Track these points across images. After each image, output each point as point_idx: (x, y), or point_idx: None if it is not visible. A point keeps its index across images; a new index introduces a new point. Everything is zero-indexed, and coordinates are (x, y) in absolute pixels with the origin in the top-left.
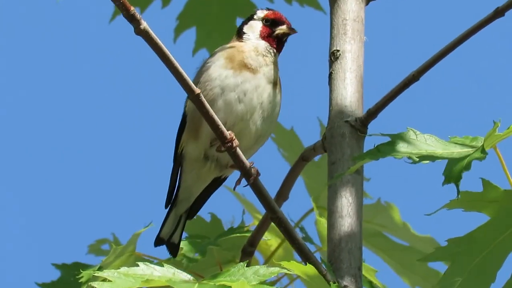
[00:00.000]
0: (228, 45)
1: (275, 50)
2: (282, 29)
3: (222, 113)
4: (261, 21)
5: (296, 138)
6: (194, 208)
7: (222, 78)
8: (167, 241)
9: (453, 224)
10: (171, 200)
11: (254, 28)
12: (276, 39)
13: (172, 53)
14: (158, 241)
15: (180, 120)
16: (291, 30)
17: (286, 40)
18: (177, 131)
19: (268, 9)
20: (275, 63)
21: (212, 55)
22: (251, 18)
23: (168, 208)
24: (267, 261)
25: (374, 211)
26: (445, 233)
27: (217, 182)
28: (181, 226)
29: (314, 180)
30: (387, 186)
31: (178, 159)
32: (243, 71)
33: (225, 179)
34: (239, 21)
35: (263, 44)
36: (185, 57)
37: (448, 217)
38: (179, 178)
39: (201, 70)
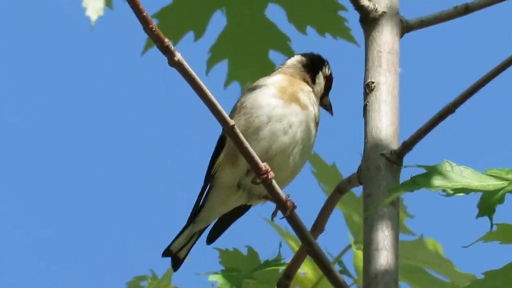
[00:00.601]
0: (279, 75)
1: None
2: (326, 102)
3: (265, 142)
4: (324, 80)
5: (337, 173)
6: (216, 232)
7: (270, 108)
8: (174, 255)
9: (496, 257)
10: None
11: (320, 82)
12: (326, 89)
13: (205, 84)
14: (166, 253)
15: (217, 141)
16: (330, 110)
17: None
18: (213, 152)
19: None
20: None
21: (261, 80)
22: (321, 65)
23: (185, 224)
24: None
25: (416, 247)
26: (486, 266)
27: (240, 210)
28: (191, 243)
29: (353, 213)
30: (430, 221)
31: (209, 179)
32: (292, 104)
33: (248, 208)
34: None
35: (311, 87)
36: (217, 89)
37: (489, 250)
38: (205, 198)
39: (247, 96)
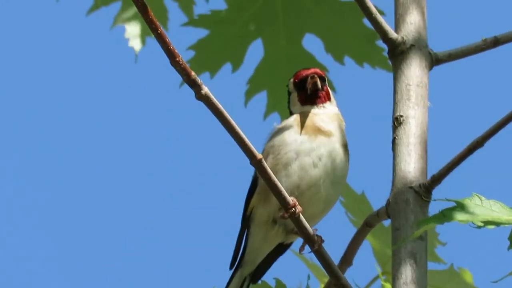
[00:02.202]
0: (294, 116)
1: (323, 104)
2: (308, 84)
3: (296, 177)
4: (295, 91)
5: (367, 202)
6: (258, 272)
7: (297, 143)
8: None
9: None
10: (236, 262)
11: (293, 101)
12: (313, 95)
13: (243, 117)
14: None
15: (250, 183)
16: (313, 78)
17: (323, 87)
18: (246, 194)
19: (292, 79)
20: (337, 115)
21: (284, 122)
22: (289, 95)
23: (233, 270)
24: None
25: (447, 276)
26: None
27: (281, 248)
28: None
29: (381, 245)
30: (462, 251)
31: (246, 221)
32: (317, 135)
33: (289, 245)
34: None
35: (309, 108)
36: (257, 121)
37: None
38: (246, 240)
39: (274, 135)
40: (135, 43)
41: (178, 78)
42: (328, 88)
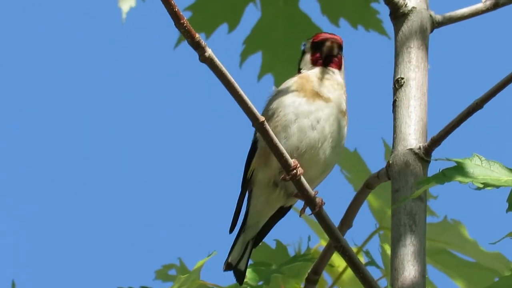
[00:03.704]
0: (295, 77)
1: (332, 69)
2: (326, 46)
3: (295, 139)
4: (309, 51)
5: (360, 160)
6: (259, 236)
7: (296, 105)
8: (234, 267)
9: None
10: (236, 225)
11: (305, 61)
12: (325, 58)
13: (237, 77)
14: (227, 266)
15: (250, 146)
16: (332, 43)
17: (338, 54)
18: (246, 157)
19: (311, 38)
20: (341, 84)
21: (283, 85)
22: (303, 53)
23: (236, 234)
24: (335, 282)
25: (440, 229)
26: None
27: (282, 212)
28: (248, 253)
29: (379, 203)
30: (456, 206)
31: (246, 184)
32: (316, 99)
33: (289, 208)
34: None
35: (317, 70)
36: (251, 81)
37: None
38: (248, 204)
39: (273, 98)
40: (124, 4)
41: (173, 39)
42: (342, 59)
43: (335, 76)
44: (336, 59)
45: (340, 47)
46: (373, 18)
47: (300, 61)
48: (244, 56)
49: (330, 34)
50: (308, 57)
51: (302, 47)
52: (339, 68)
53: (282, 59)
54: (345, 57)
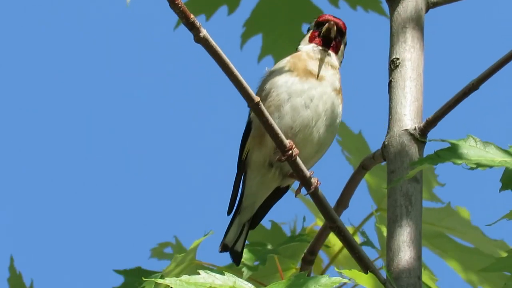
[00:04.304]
0: (289, 56)
1: (326, 49)
2: (324, 27)
3: (288, 118)
4: (312, 29)
5: (364, 142)
6: (256, 217)
7: (288, 85)
8: (231, 249)
9: None
10: (234, 207)
11: (305, 38)
12: (322, 38)
13: (238, 59)
14: (223, 247)
15: (244, 127)
16: (331, 24)
17: (336, 37)
18: (241, 138)
19: (315, 19)
20: (334, 66)
21: (275, 65)
22: (307, 33)
23: (232, 215)
24: (332, 262)
25: (443, 214)
26: None
27: (278, 193)
28: (245, 234)
29: (377, 183)
30: (461, 192)
31: (242, 165)
32: (309, 78)
33: (286, 189)
34: (305, 27)
35: (310, 47)
36: (252, 63)
37: None
38: (243, 185)
39: (266, 79)
40: None
41: (173, 20)
42: (342, 44)
43: (330, 58)
44: (333, 42)
45: (340, 32)
46: None
47: (301, 40)
48: (244, 38)
49: (335, 17)
50: (308, 35)
51: (307, 27)
52: (336, 52)
53: (283, 41)
54: (346, 44)
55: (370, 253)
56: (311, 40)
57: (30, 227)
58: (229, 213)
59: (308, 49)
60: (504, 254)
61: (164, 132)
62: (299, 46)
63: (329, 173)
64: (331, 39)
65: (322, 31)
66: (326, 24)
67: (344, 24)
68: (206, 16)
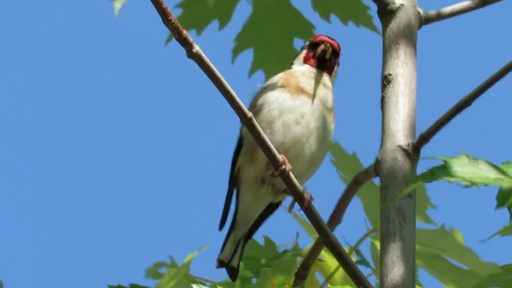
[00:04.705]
0: (281, 73)
1: (320, 71)
2: (320, 48)
3: (280, 134)
4: (306, 49)
5: (357, 162)
6: (249, 232)
7: (280, 101)
8: (227, 264)
9: None
10: (225, 222)
11: (299, 57)
12: (317, 60)
13: (229, 74)
14: (219, 263)
15: (236, 143)
16: (326, 46)
17: (331, 59)
18: (233, 154)
19: (311, 38)
20: (327, 86)
21: (268, 82)
22: (300, 51)
23: (227, 231)
24: (327, 281)
25: (437, 236)
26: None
27: (271, 208)
28: (240, 250)
29: (372, 203)
30: (453, 212)
31: (234, 181)
32: (300, 94)
33: (279, 204)
34: (296, 42)
35: (306, 67)
36: (243, 78)
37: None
38: (237, 201)
39: (257, 95)
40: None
41: (164, 35)
42: (336, 65)
43: (323, 78)
44: (327, 63)
45: (335, 53)
46: (363, 14)
47: (295, 58)
48: (235, 52)
49: (330, 38)
50: (302, 54)
51: (302, 45)
52: (330, 73)
53: (274, 56)
54: (339, 64)
55: (364, 269)
56: (305, 61)
57: (25, 242)
58: (220, 229)
59: (302, 70)
60: None
61: (157, 149)
62: (293, 65)
63: (322, 189)
64: (326, 60)
65: (318, 53)
66: (322, 46)
67: (338, 45)
68: (197, 31)
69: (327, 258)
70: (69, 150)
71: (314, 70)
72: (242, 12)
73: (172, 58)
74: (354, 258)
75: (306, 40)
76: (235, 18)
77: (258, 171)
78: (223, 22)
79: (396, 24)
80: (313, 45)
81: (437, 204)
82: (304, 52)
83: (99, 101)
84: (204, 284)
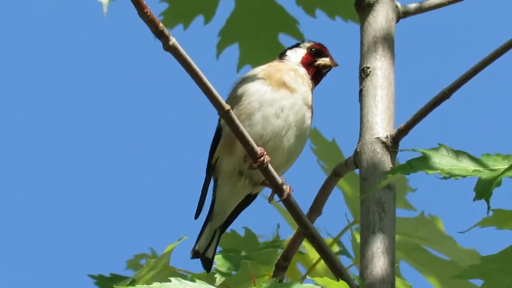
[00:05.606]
0: (266, 65)
1: (312, 80)
2: (324, 60)
3: (259, 127)
4: (306, 49)
5: (337, 149)
6: (225, 223)
7: (260, 93)
8: (202, 255)
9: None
10: (201, 211)
11: (297, 54)
12: (316, 69)
13: (216, 69)
14: (194, 254)
15: (214, 133)
16: (333, 63)
17: (325, 74)
18: (211, 144)
19: (315, 42)
20: (309, 87)
21: (248, 73)
22: (297, 45)
23: (204, 221)
24: (309, 273)
25: (417, 224)
26: (492, 246)
27: (249, 199)
28: (216, 241)
29: (354, 194)
30: (434, 199)
31: (211, 171)
32: (281, 88)
33: (256, 195)
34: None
35: (303, 70)
36: (231, 73)
37: (493, 232)
38: (214, 192)
39: (238, 86)
40: None
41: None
42: (321, 78)
43: (310, 84)
44: (320, 75)
45: (329, 70)
46: (350, 8)
47: (290, 49)
48: (220, 47)
49: (331, 59)
50: (301, 52)
51: (302, 43)
52: (316, 84)
53: (258, 49)
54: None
55: (345, 261)
56: (304, 62)
57: (7, 230)
58: (196, 217)
59: (299, 69)
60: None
61: (137, 141)
62: (288, 57)
63: (302, 180)
64: (323, 75)
65: (321, 65)
66: (329, 62)
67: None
68: (184, 25)
69: (309, 250)
70: (47, 142)
71: (308, 76)
72: (228, 7)
73: (156, 52)
74: (336, 249)
75: (306, 40)
76: (220, 13)
77: (236, 163)
78: (208, 17)
79: (374, 17)
80: (317, 53)
81: (416, 187)
82: (304, 52)
83: (78, 94)
84: (184, 276)
